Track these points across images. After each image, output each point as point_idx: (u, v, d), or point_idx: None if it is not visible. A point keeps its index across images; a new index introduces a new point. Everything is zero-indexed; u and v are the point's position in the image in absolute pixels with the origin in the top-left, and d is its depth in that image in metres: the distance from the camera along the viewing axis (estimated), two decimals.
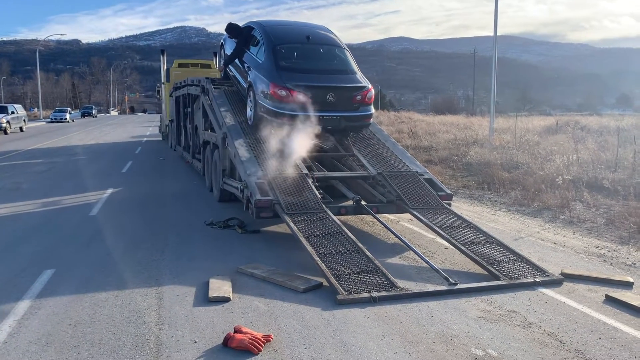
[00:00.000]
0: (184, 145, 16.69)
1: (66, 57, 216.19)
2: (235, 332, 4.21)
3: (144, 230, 7.96)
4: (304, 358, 3.94)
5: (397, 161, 8.71)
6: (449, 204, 7.87)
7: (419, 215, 7.24)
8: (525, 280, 5.67)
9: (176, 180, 13.25)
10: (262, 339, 4.12)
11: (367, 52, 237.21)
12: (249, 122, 9.26)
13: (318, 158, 8.93)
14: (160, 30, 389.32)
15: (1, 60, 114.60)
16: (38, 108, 63.03)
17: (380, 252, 6.75)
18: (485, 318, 4.79)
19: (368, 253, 5.94)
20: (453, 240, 6.53)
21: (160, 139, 27.13)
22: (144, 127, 42.39)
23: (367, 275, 5.52)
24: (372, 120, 9.31)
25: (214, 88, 10.61)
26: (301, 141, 8.23)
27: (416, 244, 7.25)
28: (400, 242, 6.97)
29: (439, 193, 7.92)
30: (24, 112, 37.78)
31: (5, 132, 31.74)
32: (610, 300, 5.25)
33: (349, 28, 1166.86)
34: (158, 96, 29.01)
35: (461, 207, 10.64)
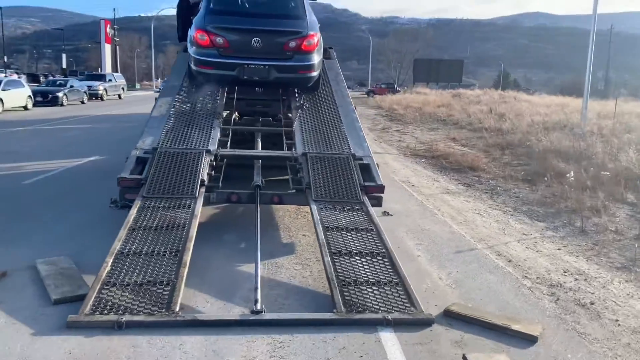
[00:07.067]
0: None
1: None
2: None
3: (44, 209, 7.12)
4: None
5: (340, 141, 7.04)
6: (379, 197, 6.15)
7: (314, 208, 5.63)
8: (368, 316, 3.96)
9: None
10: None
11: (497, 28, 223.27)
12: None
13: (257, 133, 7.66)
14: None
15: (141, 34, 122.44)
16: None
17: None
18: None
19: (186, 257, 4.55)
20: (324, 248, 4.87)
21: None
22: None
23: (154, 288, 4.15)
24: (315, 72, 7.77)
25: (180, 52, 9.55)
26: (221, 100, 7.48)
27: (304, 244, 5.70)
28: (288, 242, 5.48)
29: (367, 183, 6.20)
30: (123, 80, 39.74)
31: (102, 99, 33.44)
32: None
33: (478, 3, 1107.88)
34: None
35: (455, 200, 8.72)
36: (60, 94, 27.30)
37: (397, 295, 4.25)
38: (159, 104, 7.65)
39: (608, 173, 9.08)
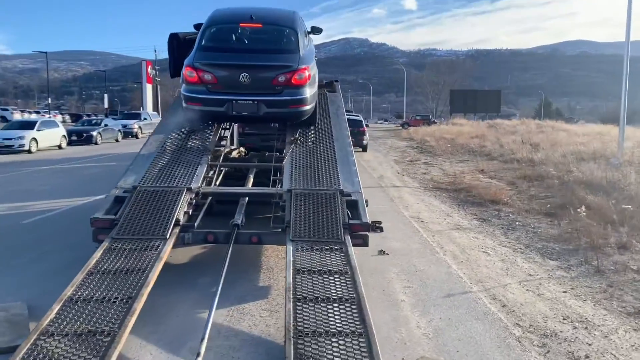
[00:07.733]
0: None
1: None
2: None
3: (28, 250, 7.01)
4: None
5: (330, 176, 6.71)
6: (364, 236, 5.75)
7: (289, 248, 5.27)
8: None
9: None
10: None
11: (538, 57, 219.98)
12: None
13: (251, 169, 7.49)
14: (325, 43, 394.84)
15: None
16: None
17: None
18: None
19: (137, 304, 4.25)
20: (289, 293, 4.50)
21: None
22: None
23: (93, 338, 3.86)
24: (307, 106, 7.44)
25: None
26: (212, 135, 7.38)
27: (281, 287, 5.33)
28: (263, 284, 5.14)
29: (352, 221, 5.82)
30: (159, 118, 40.67)
31: (137, 137, 34.21)
32: None
33: (516, 34, 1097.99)
34: None
35: (463, 236, 8.20)
36: (94, 133, 28.07)
37: (358, 347, 3.82)
38: (149, 141, 7.57)
39: (630, 206, 8.38)
